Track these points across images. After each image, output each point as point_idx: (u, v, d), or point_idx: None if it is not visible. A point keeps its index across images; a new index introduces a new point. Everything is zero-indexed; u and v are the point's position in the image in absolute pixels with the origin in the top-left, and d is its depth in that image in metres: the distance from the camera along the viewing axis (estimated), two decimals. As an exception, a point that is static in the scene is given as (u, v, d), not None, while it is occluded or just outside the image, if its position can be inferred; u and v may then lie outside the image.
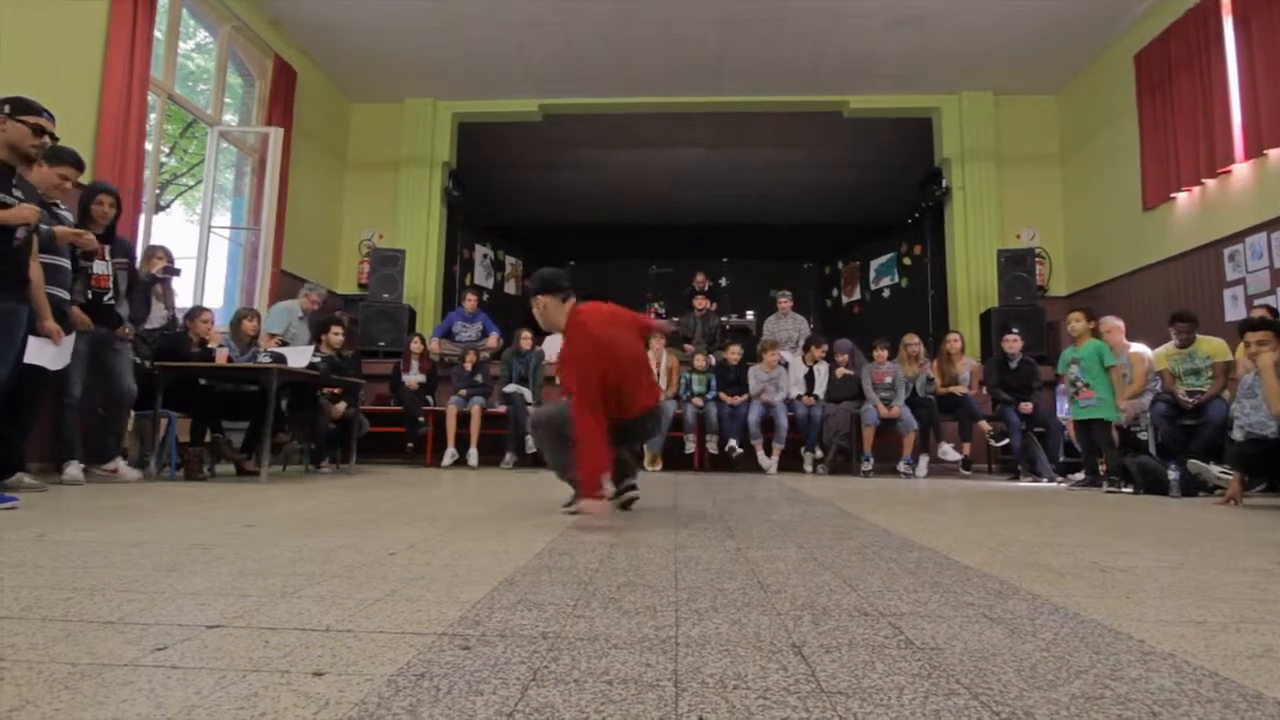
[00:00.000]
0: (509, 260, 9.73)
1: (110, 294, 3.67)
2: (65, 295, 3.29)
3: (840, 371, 5.99)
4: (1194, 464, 3.91)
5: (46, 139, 2.84)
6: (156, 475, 4.05)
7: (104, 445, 3.72)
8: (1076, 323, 4.86)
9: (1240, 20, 5.04)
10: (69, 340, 3.27)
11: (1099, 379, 4.63)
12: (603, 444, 2.38)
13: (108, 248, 3.68)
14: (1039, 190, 7.44)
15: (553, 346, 7.14)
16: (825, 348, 6.19)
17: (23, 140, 2.75)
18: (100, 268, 3.63)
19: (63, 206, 3.35)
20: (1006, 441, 5.53)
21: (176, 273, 4.45)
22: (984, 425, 5.66)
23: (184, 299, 5.03)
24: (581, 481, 2.41)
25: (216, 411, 4.60)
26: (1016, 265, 6.70)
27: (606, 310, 2.69)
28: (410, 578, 1.44)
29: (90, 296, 3.59)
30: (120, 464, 3.74)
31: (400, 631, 1.05)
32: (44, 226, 3.12)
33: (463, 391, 6.14)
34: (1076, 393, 4.73)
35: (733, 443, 5.81)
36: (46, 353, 3.12)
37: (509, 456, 5.94)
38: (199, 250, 5.69)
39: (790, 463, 5.98)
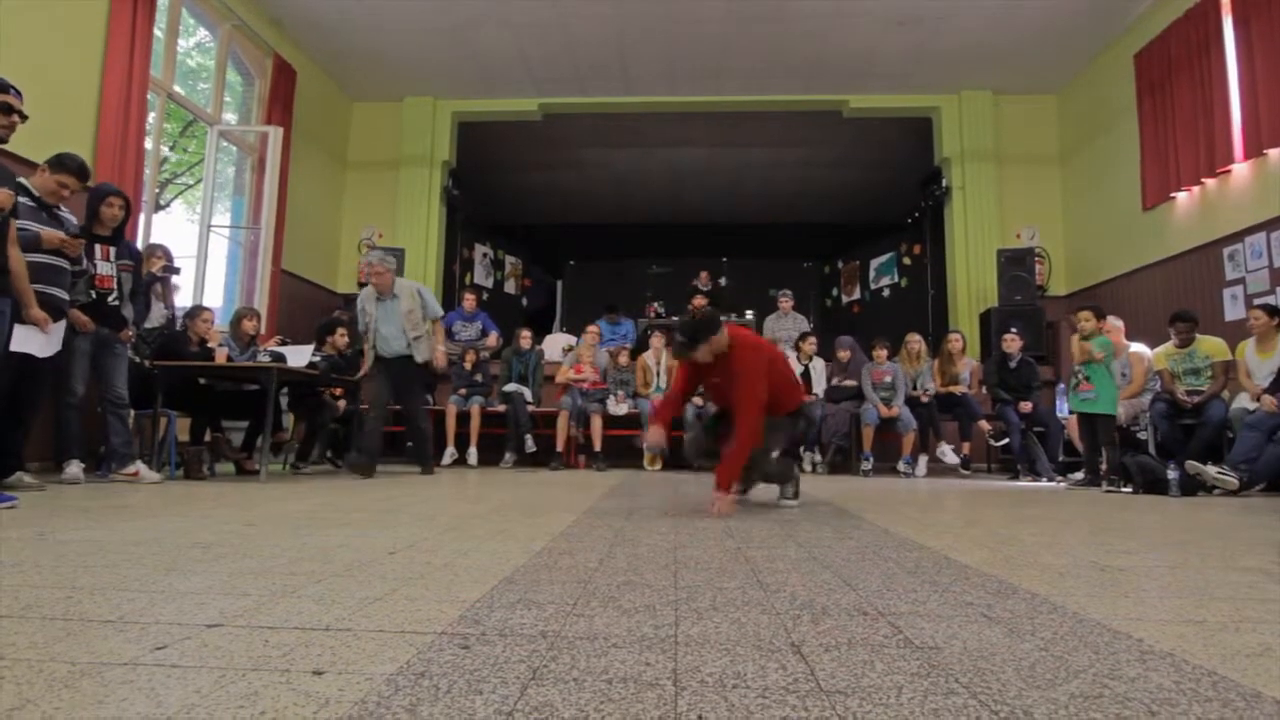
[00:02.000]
0: (509, 260, 9.74)
1: (115, 295, 3.67)
2: (64, 295, 3.28)
3: (845, 382, 5.96)
4: (1192, 465, 3.92)
5: (16, 118, 2.79)
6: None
7: (117, 451, 3.69)
8: (1086, 322, 4.68)
9: (1240, 20, 5.05)
10: (58, 328, 3.22)
11: (1100, 374, 4.58)
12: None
13: (113, 249, 3.68)
14: (1039, 190, 7.45)
15: (553, 346, 7.15)
16: (813, 341, 6.18)
17: None
18: (104, 269, 3.63)
19: (64, 210, 3.35)
20: (1006, 441, 5.53)
21: (176, 271, 4.45)
22: (983, 425, 5.65)
23: (184, 298, 5.03)
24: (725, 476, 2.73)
25: (216, 411, 4.60)
26: (1016, 265, 6.70)
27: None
28: (410, 577, 1.44)
29: (94, 297, 3.58)
30: (141, 467, 3.70)
31: (400, 630, 1.05)
32: (31, 226, 3.09)
33: (462, 391, 6.14)
34: (1077, 385, 4.67)
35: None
36: (35, 340, 3.07)
37: (509, 456, 5.94)
38: (199, 249, 5.69)
39: (790, 462, 5.96)
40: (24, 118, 2.83)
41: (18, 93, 2.79)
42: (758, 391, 2.71)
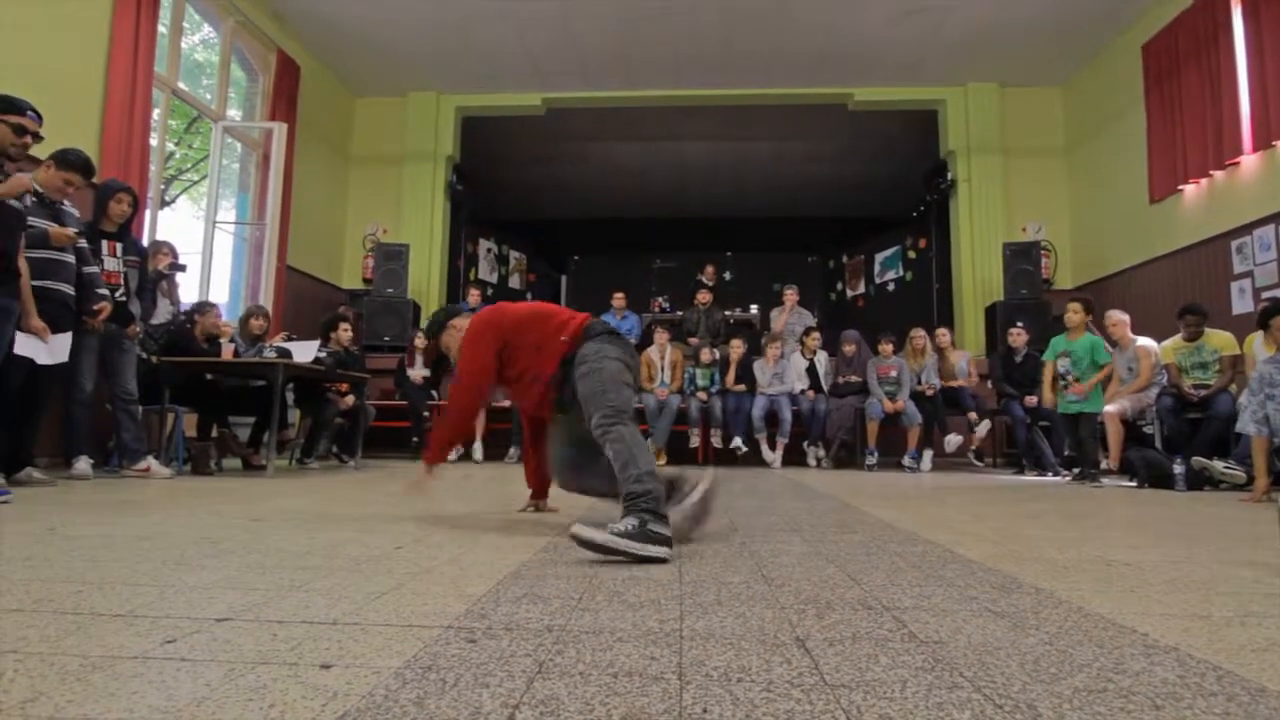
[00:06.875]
0: (513, 254, 9.74)
1: (121, 291, 3.68)
2: (69, 290, 3.29)
3: (850, 377, 5.97)
4: (1198, 460, 3.90)
5: (29, 139, 2.83)
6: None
7: (128, 446, 3.70)
8: (1075, 314, 4.73)
9: (1249, 10, 5.00)
10: (64, 338, 3.21)
11: (1090, 375, 4.56)
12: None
13: (119, 245, 3.70)
14: (1045, 183, 7.40)
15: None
16: (818, 336, 6.19)
17: (3, 140, 2.75)
18: (111, 265, 3.65)
19: (68, 204, 3.36)
20: (985, 426, 5.65)
21: (182, 268, 4.46)
22: (971, 415, 5.66)
23: (189, 294, 5.05)
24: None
25: (223, 406, 4.62)
26: (1022, 258, 6.67)
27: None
28: (416, 572, 1.45)
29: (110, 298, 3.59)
30: (152, 462, 3.71)
31: (407, 625, 1.06)
32: (38, 223, 3.11)
33: (467, 386, 6.14)
34: (1065, 386, 4.62)
35: (738, 441, 5.82)
36: (39, 346, 3.09)
37: (513, 450, 5.95)
38: (204, 245, 5.70)
39: (794, 457, 5.98)
40: (40, 138, 2.86)
41: (36, 114, 2.81)
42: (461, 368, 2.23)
